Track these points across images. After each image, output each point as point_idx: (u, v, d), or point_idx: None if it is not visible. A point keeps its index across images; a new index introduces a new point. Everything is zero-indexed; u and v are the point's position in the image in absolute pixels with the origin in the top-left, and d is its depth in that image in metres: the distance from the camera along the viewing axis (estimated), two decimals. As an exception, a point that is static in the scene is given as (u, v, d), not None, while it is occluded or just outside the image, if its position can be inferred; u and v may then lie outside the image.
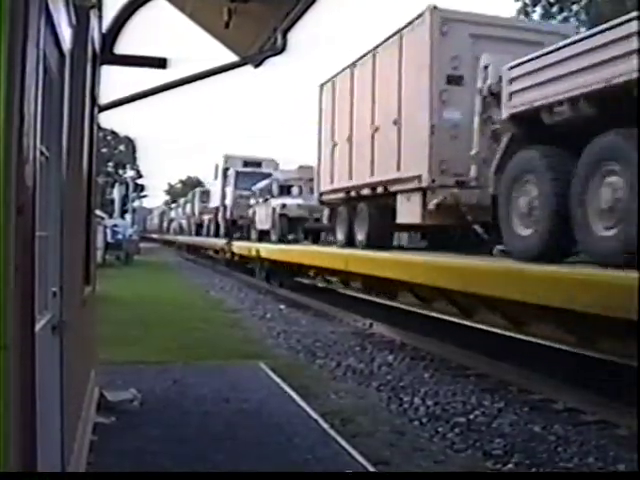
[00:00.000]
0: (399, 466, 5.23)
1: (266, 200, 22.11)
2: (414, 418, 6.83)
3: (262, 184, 23.63)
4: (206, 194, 36.84)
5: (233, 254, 24.35)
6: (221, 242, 26.76)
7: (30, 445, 2.20)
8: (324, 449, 5.44)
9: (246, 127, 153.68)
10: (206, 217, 35.17)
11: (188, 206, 44.04)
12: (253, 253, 20.46)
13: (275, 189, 21.94)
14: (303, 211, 19.86)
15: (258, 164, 29.65)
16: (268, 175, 25.26)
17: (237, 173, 28.39)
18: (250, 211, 24.32)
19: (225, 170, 29.77)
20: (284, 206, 20.31)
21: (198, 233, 37.97)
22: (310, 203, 19.12)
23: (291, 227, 20.30)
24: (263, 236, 22.61)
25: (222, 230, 29.30)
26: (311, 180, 19.86)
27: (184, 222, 45.35)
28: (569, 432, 6.32)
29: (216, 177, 32.07)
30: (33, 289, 2.27)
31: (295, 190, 21.46)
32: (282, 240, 19.93)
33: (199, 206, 38.32)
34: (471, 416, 6.87)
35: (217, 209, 30.90)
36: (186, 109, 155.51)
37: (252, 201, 24.47)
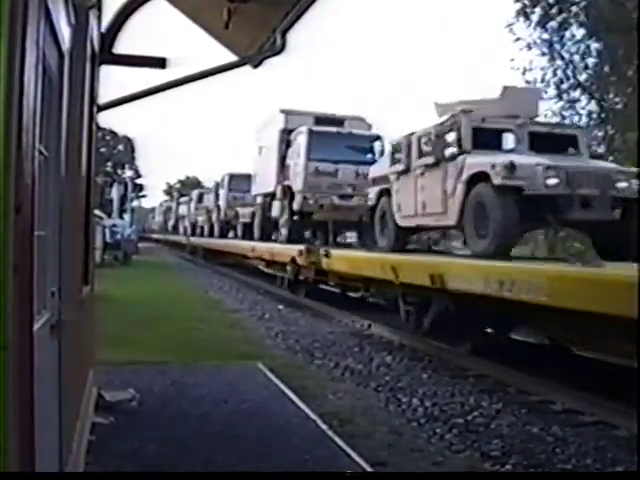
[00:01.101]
0: (397, 467, 5.22)
1: (439, 163, 10.60)
2: (412, 419, 6.83)
3: (423, 131, 11.44)
4: (239, 179, 27.20)
5: (321, 273, 14.80)
6: (290, 249, 16.24)
7: (28, 445, 2.20)
8: (322, 450, 5.43)
9: (245, 127, 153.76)
10: (243, 211, 25.01)
11: (208, 198, 33.81)
12: (412, 278, 9.95)
13: (467, 137, 10.27)
14: (559, 181, 9.07)
15: (339, 122, 18.53)
16: (364, 139, 17.15)
17: (311, 134, 17.34)
18: (371, 192, 13.40)
19: (286, 133, 18.90)
20: (511, 169, 9.10)
21: (224, 234, 29.02)
22: (580, 164, 9.81)
23: (527, 217, 9.30)
24: (408, 238, 12.94)
25: (284, 230, 18.33)
26: (535, 121, 11.03)
27: (201, 219, 35.19)
28: (567, 433, 6.33)
29: (261, 151, 21.29)
30: (32, 289, 2.27)
31: (509, 139, 10.32)
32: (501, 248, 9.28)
33: (227, 197, 28.41)
34: (469, 417, 6.87)
35: (270, 196, 19.87)
36: (185, 109, 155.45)
37: (383, 168, 12.88)
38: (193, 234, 37.21)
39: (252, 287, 20.64)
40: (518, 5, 25.02)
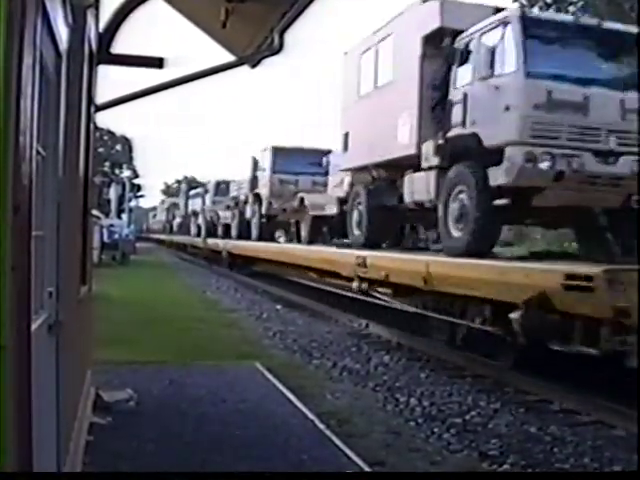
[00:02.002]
0: (395, 467, 5.23)
1: None
2: (410, 419, 6.83)
3: None
4: (289, 155, 19.91)
5: None
6: (525, 271, 7.28)
7: (26, 445, 2.20)
8: (320, 450, 5.44)
9: (241, 128, 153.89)
10: (315, 200, 16.58)
11: (237, 186, 25.33)
12: None
13: None
14: None
15: None
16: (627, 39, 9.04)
17: (526, 25, 8.69)
18: None
19: (447, 37, 10.05)
20: None
21: (263, 235, 21.15)
22: None
23: None
24: None
25: (456, 231, 9.40)
26: None
27: (225, 215, 26.86)
28: (565, 433, 6.33)
29: (362, 89, 12.48)
30: (29, 289, 2.27)
31: None
32: None
33: (271, 181, 20.32)
34: (467, 417, 6.88)
35: (395, 168, 11.46)
36: (182, 109, 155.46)
37: None
38: (210, 235, 28.83)
39: (250, 287, 20.60)
40: (516, 5, 25.06)
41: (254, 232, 21.64)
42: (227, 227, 26.27)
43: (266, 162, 20.81)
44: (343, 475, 4.91)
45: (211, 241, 27.87)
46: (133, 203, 62.35)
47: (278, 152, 20.23)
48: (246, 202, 23.06)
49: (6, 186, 1.84)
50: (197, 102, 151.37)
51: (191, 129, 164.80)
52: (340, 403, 7.20)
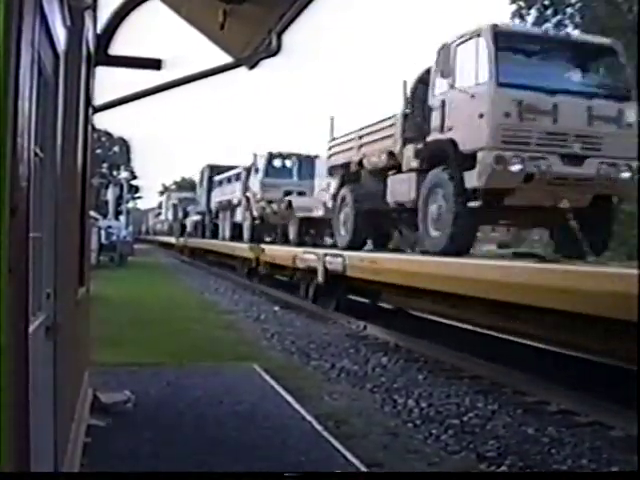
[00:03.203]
0: (393, 468, 5.22)
1: None
2: (408, 420, 6.83)
3: None
4: (515, 46, 9.68)
5: None
6: None
7: (23, 446, 2.19)
8: (318, 451, 5.43)
9: (240, 129, 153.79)
10: None
11: (347, 146, 14.15)
12: None
13: None
14: None
15: None
16: None
17: None
18: None
19: None
20: None
21: (456, 246, 9.89)
22: None
23: None
24: None
25: None
26: None
27: (308, 205, 18.04)
28: (563, 434, 6.33)
29: None
30: (27, 290, 2.27)
31: None
32: None
33: (494, 107, 9.09)
34: (465, 418, 6.87)
35: None
36: (180, 111, 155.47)
37: None
38: (253, 239, 21.47)
39: (248, 288, 20.58)
40: (514, 7, 25.10)
41: (433, 234, 10.64)
42: (309, 225, 17.30)
43: (475, 65, 9.72)
44: (343, 475, 4.91)
45: (273, 249, 17.93)
46: (131, 204, 62.25)
47: (505, 39, 9.71)
48: (387, 170, 12.20)
49: (4, 188, 1.84)
50: (195, 103, 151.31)
51: (189, 130, 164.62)
52: (338, 404, 7.20)
